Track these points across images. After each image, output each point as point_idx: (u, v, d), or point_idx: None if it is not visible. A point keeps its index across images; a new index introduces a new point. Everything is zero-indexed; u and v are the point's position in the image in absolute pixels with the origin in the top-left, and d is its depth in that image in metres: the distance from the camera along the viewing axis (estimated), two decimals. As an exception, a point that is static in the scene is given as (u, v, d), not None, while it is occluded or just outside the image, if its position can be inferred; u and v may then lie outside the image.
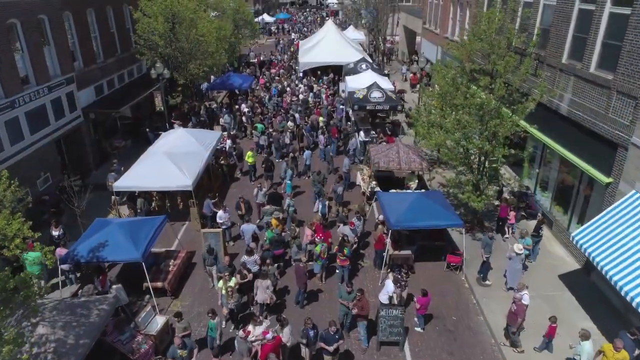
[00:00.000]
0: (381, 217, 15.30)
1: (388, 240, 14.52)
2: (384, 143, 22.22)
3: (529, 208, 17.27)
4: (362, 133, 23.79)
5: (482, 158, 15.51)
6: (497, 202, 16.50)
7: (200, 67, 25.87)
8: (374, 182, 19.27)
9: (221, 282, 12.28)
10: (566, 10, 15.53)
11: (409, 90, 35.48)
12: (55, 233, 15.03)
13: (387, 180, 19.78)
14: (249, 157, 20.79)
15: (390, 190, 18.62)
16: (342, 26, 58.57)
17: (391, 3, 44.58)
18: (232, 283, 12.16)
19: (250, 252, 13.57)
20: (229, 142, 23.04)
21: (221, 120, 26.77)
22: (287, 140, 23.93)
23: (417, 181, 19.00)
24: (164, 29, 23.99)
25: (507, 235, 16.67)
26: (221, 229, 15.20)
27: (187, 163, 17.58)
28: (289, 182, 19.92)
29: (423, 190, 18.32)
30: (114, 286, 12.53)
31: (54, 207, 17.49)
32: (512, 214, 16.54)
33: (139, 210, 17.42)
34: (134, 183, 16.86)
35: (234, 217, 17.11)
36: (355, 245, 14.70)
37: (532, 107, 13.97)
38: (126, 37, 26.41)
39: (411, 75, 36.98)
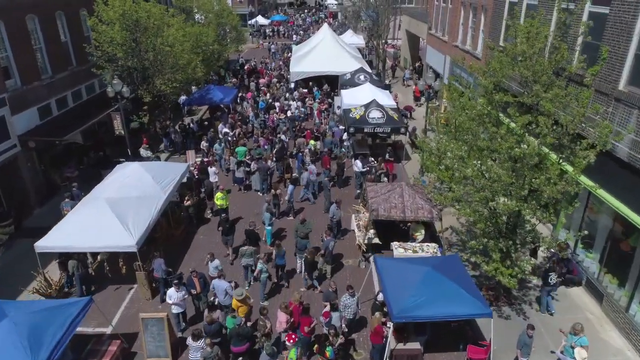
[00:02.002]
0: (380, 297, 11.55)
1: (389, 329, 10.81)
2: (385, 180, 18.43)
3: (569, 273, 13.51)
4: (358, 162, 19.96)
5: (512, 218, 11.66)
6: (535, 279, 12.68)
7: (168, 83, 21.99)
8: (372, 231, 15.55)
9: None
10: (625, 20, 11.71)
11: (412, 103, 31.68)
12: None
13: (388, 227, 15.92)
14: (217, 198, 16.87)
15: (392, 243, 14.95)
16: (340, 29, 54.69)
17: (393, 5, 40.71)
18: None
19: (197, 336, 10.37)
20: (213, 169, 19.40)
21: (203, 144, 22.77)
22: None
23: (423, 232, 15.26)
24: (122, 38, 20.20)
25: None
26: (165, 314, 11.33)
27: (134, 213, 13.85)
28: (268, 228, 16.22)
29: (435, 249, 14.57)
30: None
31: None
32: None
33: (71, 275, 13.70)
34: (62, 242, 13.05)
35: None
36: (342, 341, 10.87)
37: (593, 158, 10.06)
38: (84, 47, 22.59)
39: (415, 87, 33.28)
